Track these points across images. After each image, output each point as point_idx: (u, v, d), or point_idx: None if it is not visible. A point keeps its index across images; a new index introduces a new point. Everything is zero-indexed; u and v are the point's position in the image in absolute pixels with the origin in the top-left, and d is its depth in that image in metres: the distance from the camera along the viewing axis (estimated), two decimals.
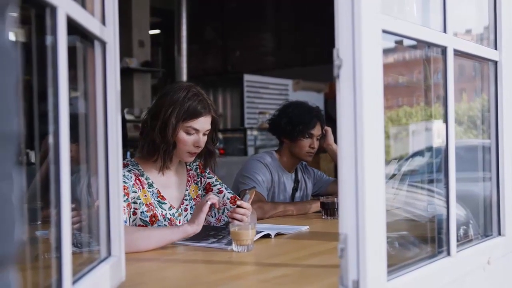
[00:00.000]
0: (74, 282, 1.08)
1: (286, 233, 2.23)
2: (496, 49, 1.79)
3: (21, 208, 0.58)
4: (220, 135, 7.96)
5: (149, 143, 2.20)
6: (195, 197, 2.36)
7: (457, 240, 1.54)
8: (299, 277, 1.56)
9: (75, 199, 1.15)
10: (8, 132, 0.55)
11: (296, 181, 3.12)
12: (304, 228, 2.34)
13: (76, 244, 1.29)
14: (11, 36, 0.61)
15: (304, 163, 3.17)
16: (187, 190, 2.34)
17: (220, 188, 2.39)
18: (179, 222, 2.25)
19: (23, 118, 0.61)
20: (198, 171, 2.41)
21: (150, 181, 2.23)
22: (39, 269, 1.16)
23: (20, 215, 0.58)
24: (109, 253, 1.37)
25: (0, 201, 0.53)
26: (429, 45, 1.55)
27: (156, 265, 1.75)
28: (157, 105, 2.21)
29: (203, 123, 2.20)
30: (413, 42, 1.56)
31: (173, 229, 1.99)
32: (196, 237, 2.01)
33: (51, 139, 0.99)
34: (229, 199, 2.35)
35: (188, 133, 2.19)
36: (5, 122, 0.55)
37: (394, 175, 1.88)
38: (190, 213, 2.31)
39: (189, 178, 2.37)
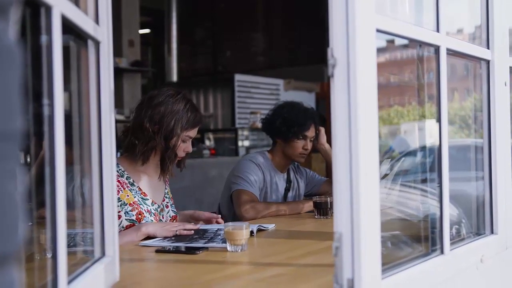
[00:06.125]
0: (69, 282, 1.08)
1: (264, 228, 2.29)
2: (488, 48, 1.80)
3: (24, 206, 0.59)
4: (211, 135, 7.96)
5: (151, 149, 2.25)
6: (171, 197, 2.47)
7: (450, 239, 1.55)
8: (294, 276, 1.57)
9: (67, 199, 1.14)
10: (12, 130, 0.55)
11: (289, 181, 3.12)
12: (271, 227, 2.36)
13: (69, 243, 1.28)
14: (14, 35, 0.61)
15: (296, 163, 3.17)
16: (166, 188, 2.44)
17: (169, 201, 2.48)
18: (163, 218, 2.35)
19: (24, 117, 0.61)
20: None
21: (131, 180, 2.27)
22: (31, 270, 1.16)
23: (23, 213, 0.59)
24: (103, 253, 1.37)
25: (5, 199, 0.54)
26: (423, 44, 1.55)
27: (150, 265, 1.75)
28: (154, 111, 2.23)
29: (196, 131, 2.34)
30: (404, 42, 1.56)
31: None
32: (189, 239, 2.01)
33: (46, 140, 0.98)
34: (170, 217, 2.44)
35: (184, 141, 2.29)
36: (9, 121, 0.55)
37: (386, 174, 1.89)
38: (172, 210, 2.42)
39: (167, 179, 2.46)
